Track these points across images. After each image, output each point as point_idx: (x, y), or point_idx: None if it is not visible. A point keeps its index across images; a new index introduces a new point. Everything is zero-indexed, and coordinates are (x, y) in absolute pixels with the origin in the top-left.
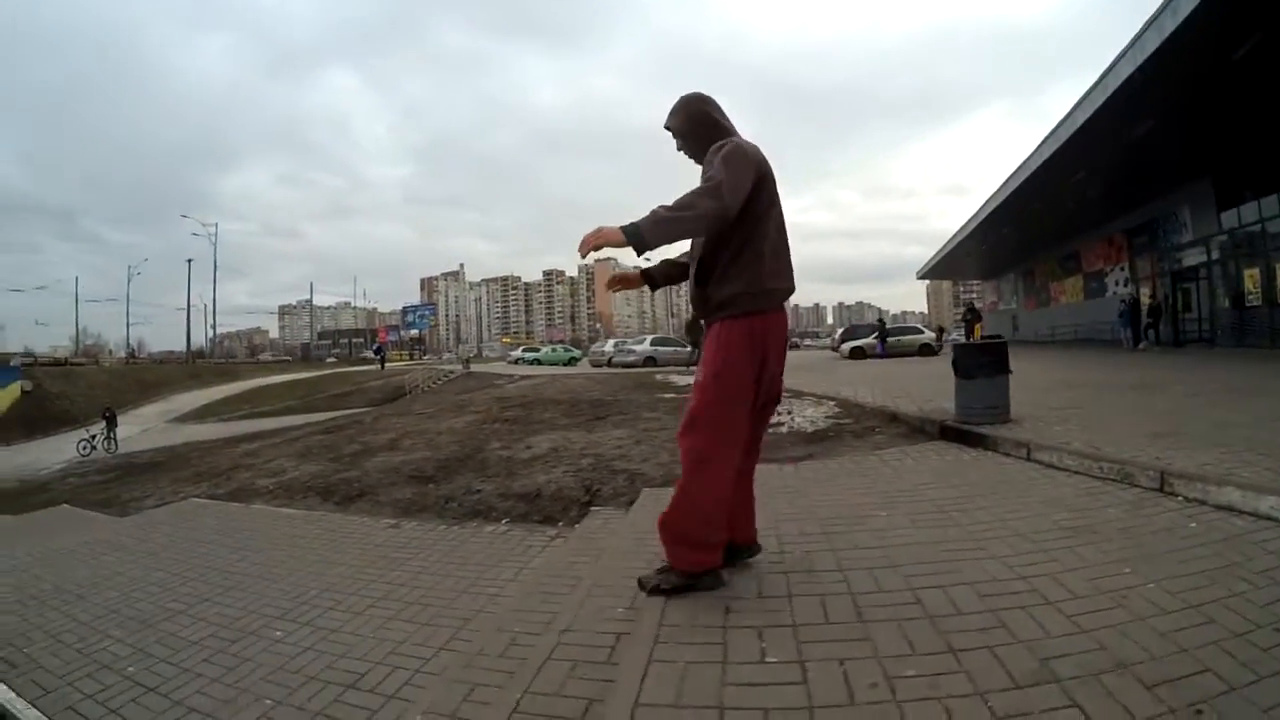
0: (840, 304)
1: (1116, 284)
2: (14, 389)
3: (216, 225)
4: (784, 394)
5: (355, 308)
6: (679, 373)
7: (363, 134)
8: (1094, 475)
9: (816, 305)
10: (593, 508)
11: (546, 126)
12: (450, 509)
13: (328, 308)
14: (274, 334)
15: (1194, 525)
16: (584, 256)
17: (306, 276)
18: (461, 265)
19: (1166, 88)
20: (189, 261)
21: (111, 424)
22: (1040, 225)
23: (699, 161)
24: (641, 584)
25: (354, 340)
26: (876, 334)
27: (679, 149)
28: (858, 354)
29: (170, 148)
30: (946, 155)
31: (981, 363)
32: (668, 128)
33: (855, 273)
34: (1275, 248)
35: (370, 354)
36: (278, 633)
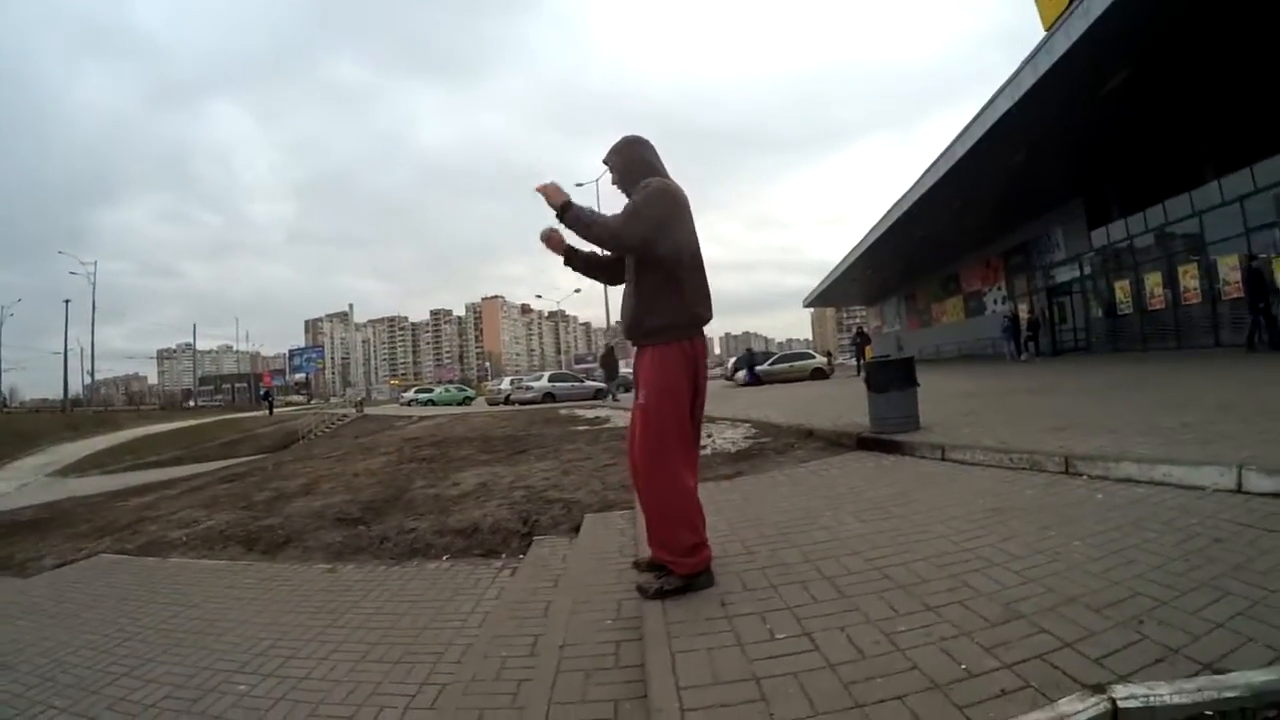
0: (727, 334)
1: (995, 302)
2: None
3: (95, 263)
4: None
5: (238, 351)
6: (584, 407)
7: (246, 169)
8: (1006, 466)
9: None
10: (535, 537)
11: (436, 166)
12: (387, 549)
13: (209, 351)
14: (153, 379)
15: (1100, 496)
16: (538, 190)
17: (186, 319)
18: (350, 306)
19: (1041, 119)
20: (66, 302)
21: None
22: (921, 251)
23: (629, 196)
24: (643, 590)
25: (237, 385)
26: (743, 363)
27: (612, 183)
28: (754, 380)
29: (45, 181)
30: (826, 186)
31: (893, 377)
32: (605, 162)
33: (741, 303)
34: (1143, 260)
35: (261, 399)
36: (241, 687)
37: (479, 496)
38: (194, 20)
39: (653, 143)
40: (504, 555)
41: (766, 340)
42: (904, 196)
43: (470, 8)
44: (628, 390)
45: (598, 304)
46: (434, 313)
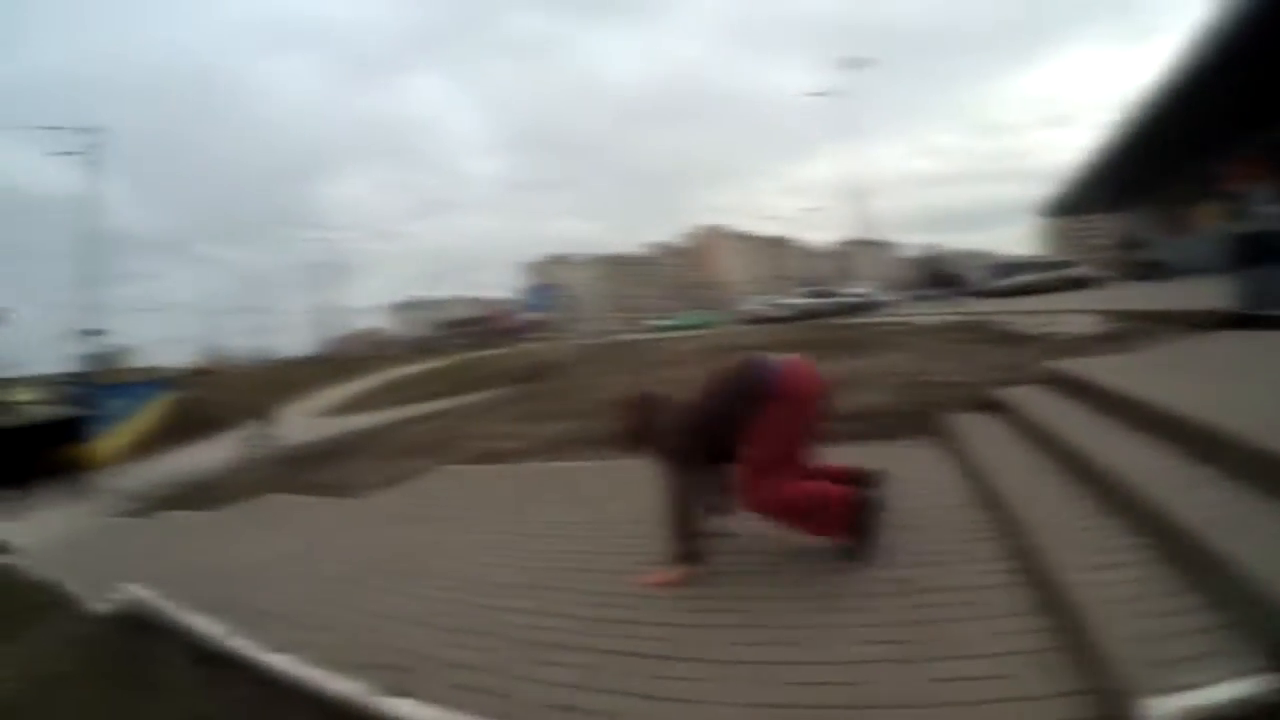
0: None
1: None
2: (165, 400)
3: (338, 229)
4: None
5: (466, 298)
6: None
7: (454, 131)
8: None
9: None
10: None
11: (630, 100)
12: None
13: (443, 300)
14: (390, 331)
15: None
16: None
17: (414, 274)
18: (566, 255)
19: None
20: (317, 264)
21: (268, 422)
22: (1171, 149)
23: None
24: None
25: (469, 329)
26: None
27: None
28: (1002, 291)
29: (271, 167)
30: (1046, 85)
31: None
32: None
33: (959, 218)
34: None
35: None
36: None
37: (854, 385)
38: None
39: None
40: (898, 438)
41: (991, 256)
42: (1152, 87)
43: None
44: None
45: (825, 226)
46: (651, 245)
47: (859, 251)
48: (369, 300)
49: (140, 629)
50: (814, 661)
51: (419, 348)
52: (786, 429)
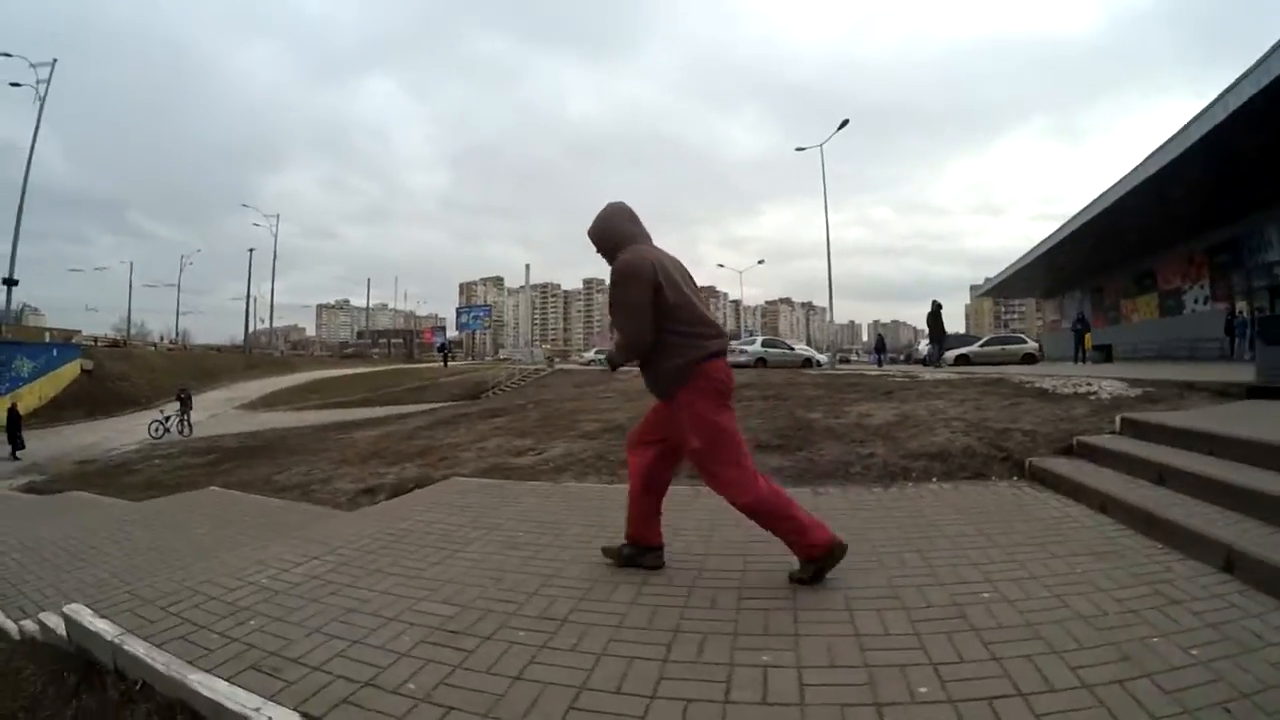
0: (876, 321)
1: (1196, 301)
2: (74, 367)
3: (278, 216)
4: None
5: (393, 310)
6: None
7: (401, 141)
8: None
9: (851, 322)
10: (1030, 460)
11: (583, 135)
12: (855, 474)
13: (365, 308)
14: (310, 332)
15: None
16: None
17: (342, 277)
18: (502, 278)
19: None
20: (250, 250)
21: (186, 406)
22: (1113, 246)
23: (609, 261)
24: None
25: (393, 340)
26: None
27: (597, 252)
28: (963, 360)
29: (215, 149)
30: (981, 174)
31: None
32: (589, 235)
33: (889, 290)
34: None
35: (435, 351)
36: None
37: (911, 427)
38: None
39: (628, 207)
40: (992, 477)
41: (915, 330)
42: (1120, 182)
43: None
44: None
45: (754, 281)
46: (586, 281)
47: (785, 311)
48: (295, 297)
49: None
50: None
51: (341, 352)
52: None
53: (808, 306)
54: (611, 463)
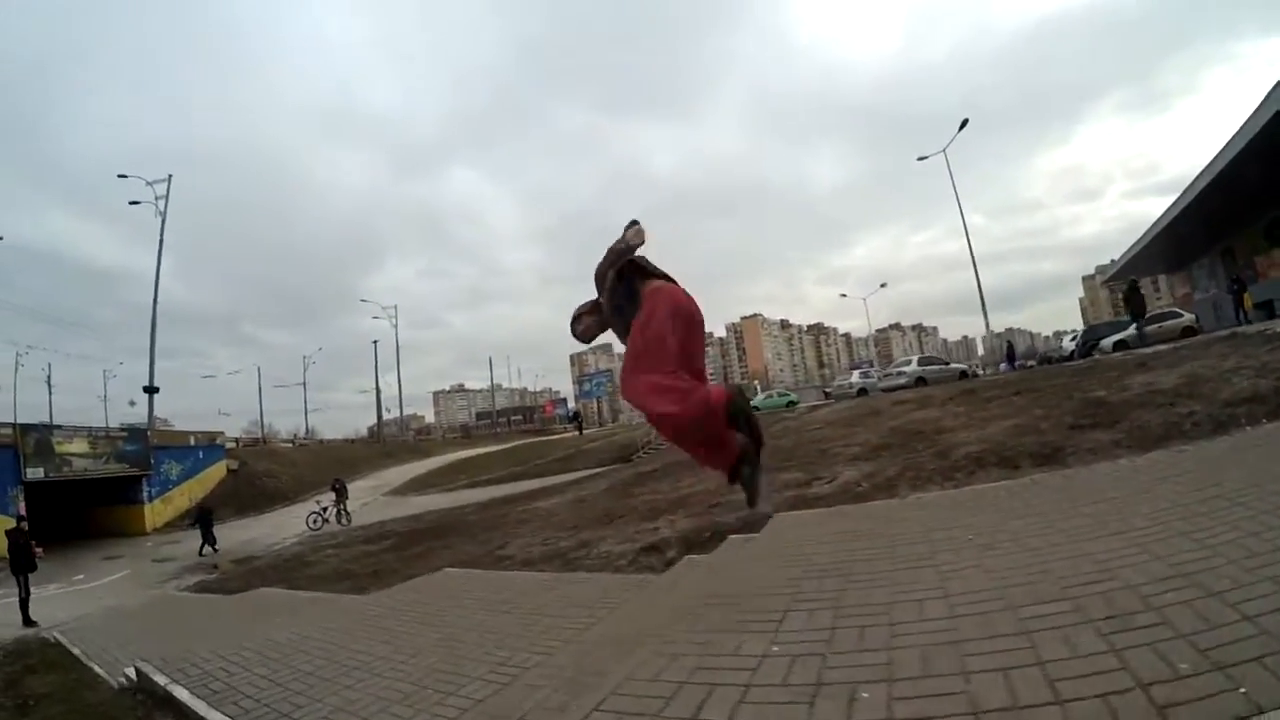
0: (990, 332)
1: None
2: (220, 467)
3: (396, 307)
4: None
5: (508, 388)
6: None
7: (494, 221)
8: None
9: (965, 338)
10: None
11: (669, 192)
12: (1189, 430)
13: (479, 390)
14: (429, 418)
15: None
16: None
17: (452, 362)
18: (610, 344)
19: None
20: (375, 343)
21: (342, 495)
22: (1243, 197)
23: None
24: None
25: (512, 418)
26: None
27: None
28: (1121, 347)
29: (318, 255)
30: (1068, 160)
31: None
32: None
33: (995, 299)
34: None
35: (568, 421)
36: None
37: (1205, 384)
38: (422, 95)
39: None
40: None
41: (1032, 335)
42: (1221, 152)
43: (672, 39)
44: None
45: (856, 315)
46: None
47: (896, 336)
48: (410, 387)
49: None
50: None
51: (464, 433)
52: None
53: (918, 328)
54: (909, 474)
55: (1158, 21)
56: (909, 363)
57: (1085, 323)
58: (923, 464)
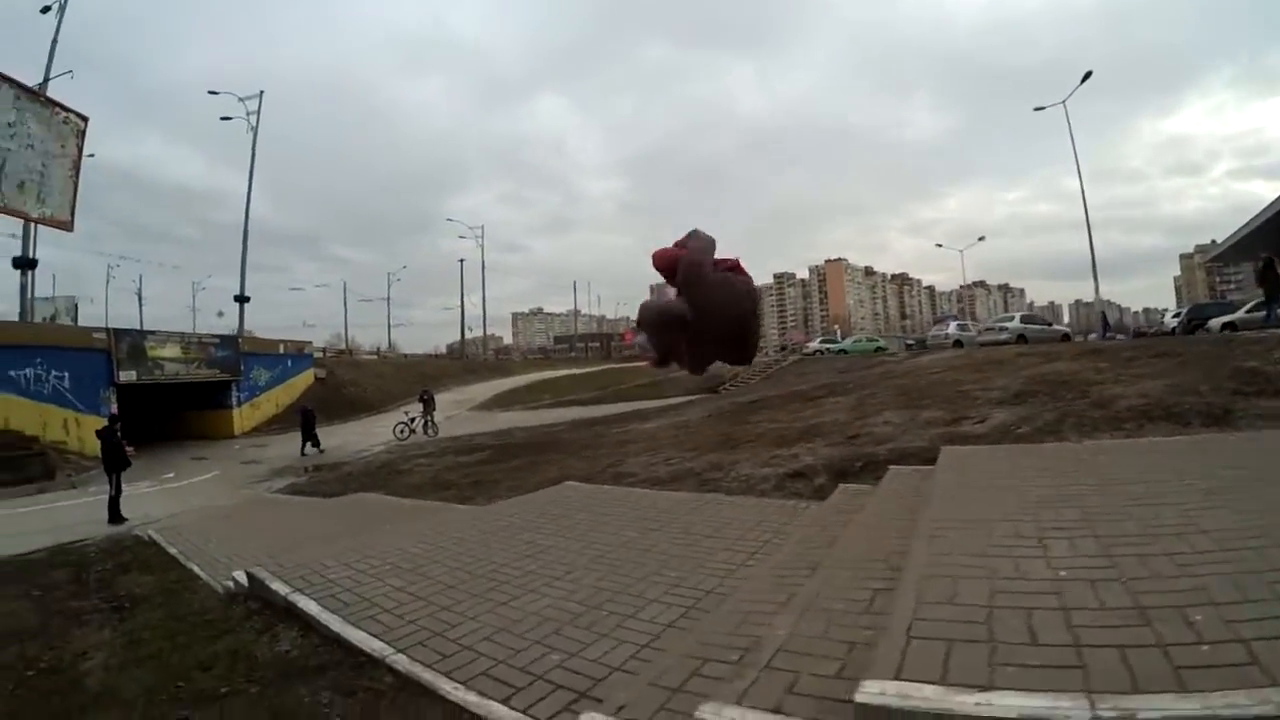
0: (1078, 301)
1: None
2: (309, 375)
3: (483, 228)
4: None
5: (586, 315)
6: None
7: (576, 151)
8: None
9: (1051, 303)
10: None
11: (754, 131)
12: None
13: (559, 315)
14: (507, 340)
15: None
16: None
17: (533, 287)
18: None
19: None
20: (461, 261)
21: (430, 407)
22: None
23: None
24: None
25: (590, 344)
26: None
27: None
28: (1230, 327)
29: (402, 179)
30: (1174, 130)
31: None
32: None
33: (1086, 267)
34: None
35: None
36: None
37: None
38: (508, 24)
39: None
40: None
41: (1121, 309)
42: None
43: None
44: None
45: (944, 267)
46: (777, 276)
47: (981, 295)
48: (491, 308)
49: None
50: None
51: (542, 356)
52: None
53: (1005, 288)
54: (1071, 420)
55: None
56: (1011, 319)
57: (1179, 302)
58: (1082, 412)
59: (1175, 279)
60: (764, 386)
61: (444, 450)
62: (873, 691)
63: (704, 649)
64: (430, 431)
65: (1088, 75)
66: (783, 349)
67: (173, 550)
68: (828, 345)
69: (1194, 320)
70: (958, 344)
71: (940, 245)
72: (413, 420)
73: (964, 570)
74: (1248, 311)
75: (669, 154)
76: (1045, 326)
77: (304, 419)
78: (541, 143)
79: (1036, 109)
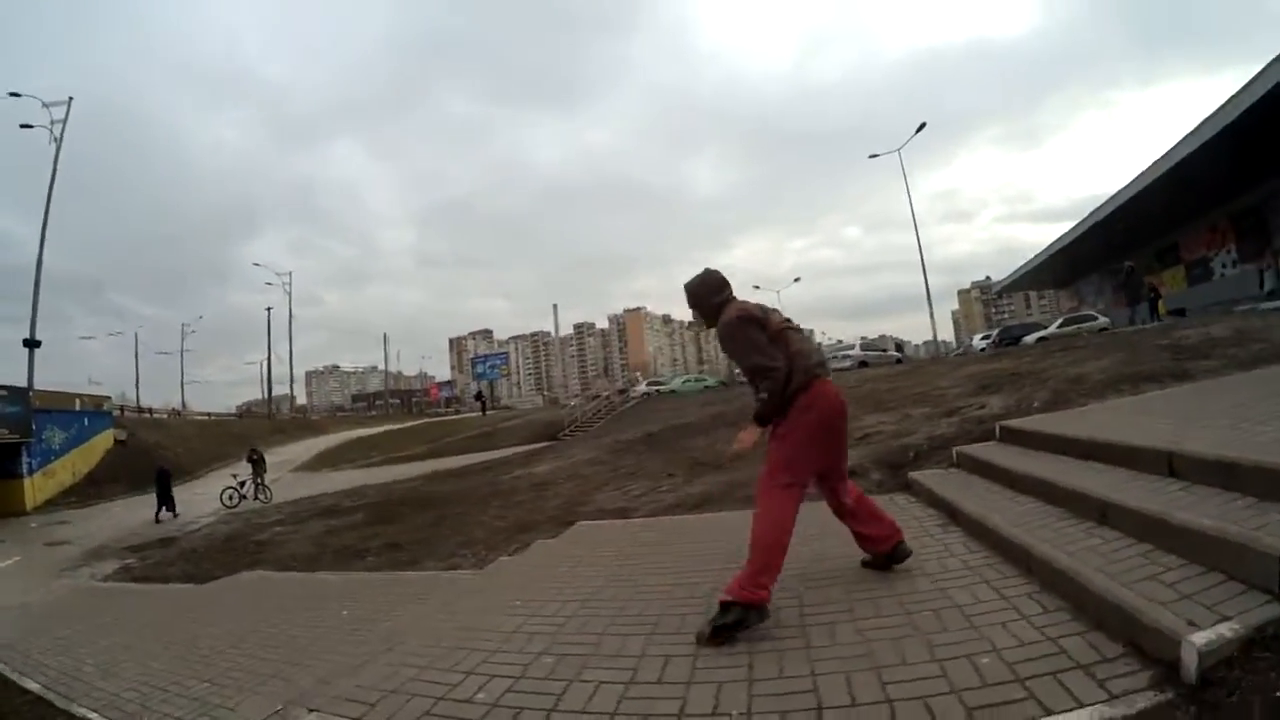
0: (861, 338)
1: (1224, 265)
2: (107, 437)
3: (290, 274)
4: None
5: (381, 371)
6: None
7: (371, 202)
8: None
9: (839, 341)
10: None
11: (552, 186)
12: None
13: (354, 371)
14: (301, 399)
15: None
16: (739, 455)
17: (324, 343)
18: (490, 330)
19: None
20: (268, 310)
21: (260, 468)
22: (1140, 225)
23: (706, 319)
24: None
25: (390, 401)
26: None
27: (690, 307)
28: (1042, 340)
29: (189, 224)
30: (946, 183)
31: None
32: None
33: (868, 307)
34: None
35: (474, 400)
36: None
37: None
38: (312, 68)
39: (717, 271)
40: None
41: (900, 342)
42: (1121, 190)
43: (570, 35)
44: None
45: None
46: (577, 326)
47: None
48: (282, 366)
49: None
50: None
51: (349, 414)
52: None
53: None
54: (1068, 393)
55: (1040, 65)
56: (852, 348)
57: (956, 334)
58: (1066, 390)
59: (954, 312)
60: (617, 429)
61: (298, 516)
62: None
63: None
64: (263, 496)
65: (922, 126)
66: (621, 391)
67: (33, 686)
68: (657, 387)
69: (1005, 340)
70: (863, 364)
71: (758, 287)
72: (243, 484)
73: None
74: (1058, 327)
75: (470, 206)
76: (882, 352)
77: (160, 480)
78: (337, 191)
79: (871, 156)
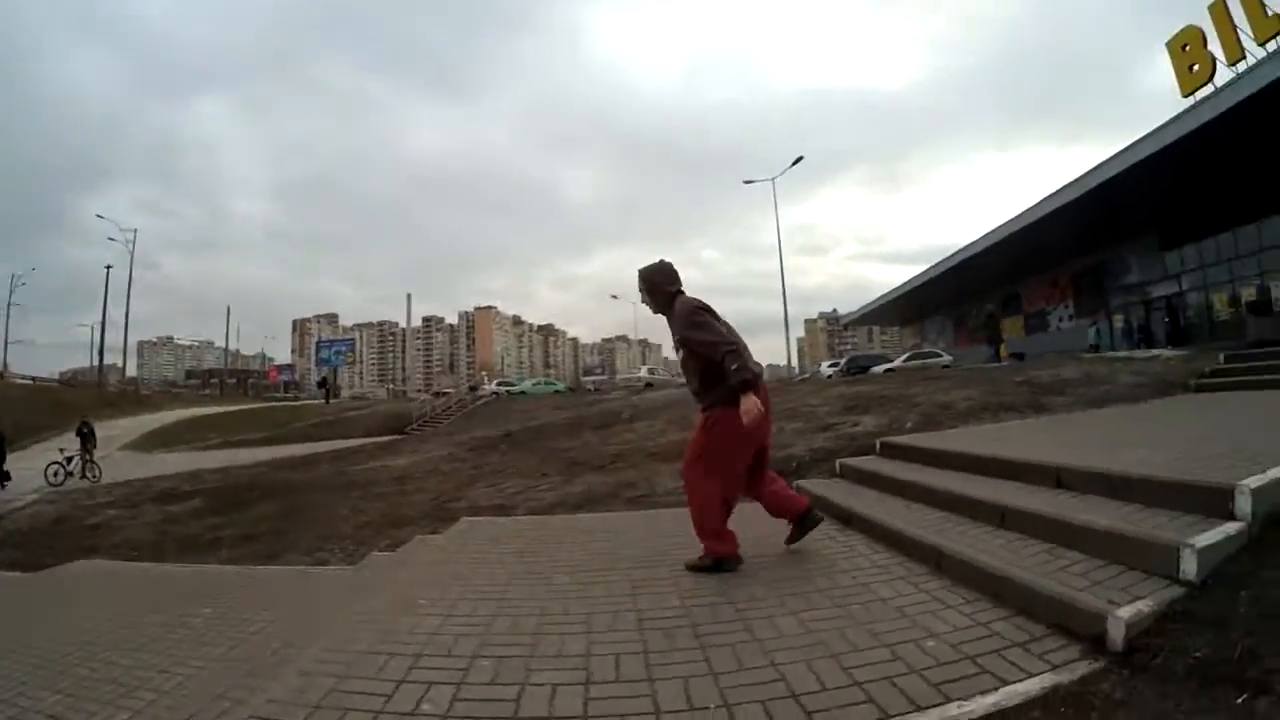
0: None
1: (1060, 320)
2: None
3: (135, 231)
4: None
5: (219, 347)
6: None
7: (230, 165)
8: None
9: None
10: None
11: (420, 174)
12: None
13: (190, 345)
14: (131, 371)
15: None
16: (754, 422)
17: (160, 312)
18: (336, 315)
19: (1168, 164)
20: (108, 268)
21: (89, 443)
22: (986, 274)
23: (660, 310)
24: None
25: (225, 380)
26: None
27: (643, 302)
28: (890, 371)
29: (30, 162)
30: (807, 217)
31: None
32: (640, 289)
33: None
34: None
35: (318, 387)
36: None
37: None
38: (194, 11)
39: (669, 262)
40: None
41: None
42: (974, 242)
43: (466, 22)
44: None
45: (582, 320)
46: (426, 319)
47: (621, 348)
48: (112, 333)
49: None
50: None
51: (183, 390)
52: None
53: (644, 342)
54: (944, 416)
55: (912, 118)
56: (639, 370)
57: (800, 360)
58: (936, 413)
59: (799, 339)
60: (470, 427)
61: (132, 500)
62: None
63: None
64: (91, 474)
65: (799, 159)
66: (472, 389)
67: None
68: (507, 387)
69: (853, 368)
70: (649, 385)
71: (615, 297)
72: (70, 460)
73: None
74: (904, 360)
75: (334, 184)
76: (667, 376)
77: None
78: (195, 150)
79: (746, 182)
